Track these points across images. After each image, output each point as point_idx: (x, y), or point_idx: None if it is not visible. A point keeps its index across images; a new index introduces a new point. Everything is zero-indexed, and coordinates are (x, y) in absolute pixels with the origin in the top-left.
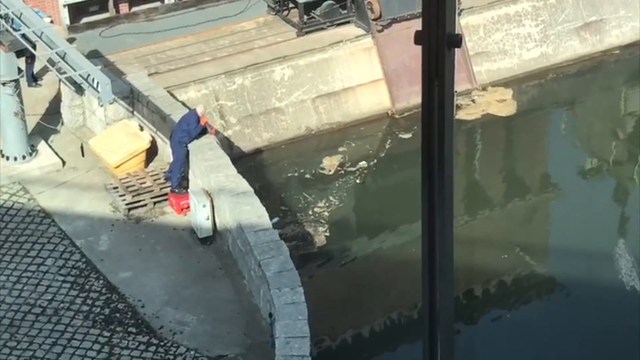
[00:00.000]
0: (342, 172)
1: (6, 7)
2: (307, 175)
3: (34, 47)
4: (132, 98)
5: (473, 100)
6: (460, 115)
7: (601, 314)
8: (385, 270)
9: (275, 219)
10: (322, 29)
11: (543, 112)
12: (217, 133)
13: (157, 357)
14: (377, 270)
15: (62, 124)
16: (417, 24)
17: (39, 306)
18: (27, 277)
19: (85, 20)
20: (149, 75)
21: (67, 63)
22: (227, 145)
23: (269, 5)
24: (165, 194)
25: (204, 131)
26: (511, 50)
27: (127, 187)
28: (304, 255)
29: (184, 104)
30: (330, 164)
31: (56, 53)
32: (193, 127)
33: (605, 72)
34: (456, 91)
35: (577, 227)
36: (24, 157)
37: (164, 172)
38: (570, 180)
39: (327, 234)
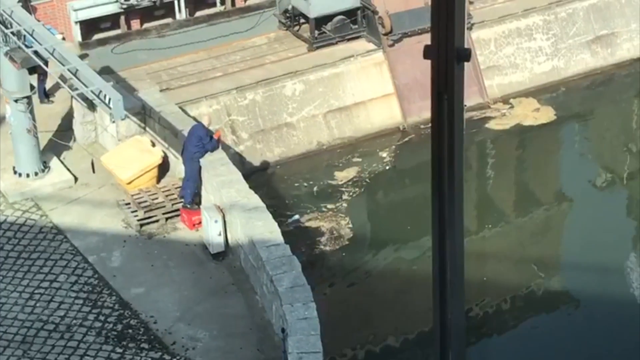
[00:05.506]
0: (354, 186)
1: (18, 24)
2: (319, 190)
3: (46, 63)
4: (144, 114)
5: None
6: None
7: (613, 329)
8: (397, 285)
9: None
10: (333, 43)
11: (555, 126)
12: (220, 137)
13: None
14: (388, 285)
15: (74, 140)
16: (427, 39)
17: (51, 322)
18: (39, 293)
19: (97, 36)
20: (160, 91)
21: (79, 79)
22: (239, 160)
23: (280, 21)
24: (177, 210)
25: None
26: (522, 64)
27: (139, 203)
28: (315, 269)
29: (195, 119)
30: (341, 178)
31: (68, 70)
32: (207, 142)
33: (617, 86)
34: (466, 105)
35: (589, 240)
36: (36, 174)
37: (180, 191)
38: (583, 193)
39: (339, 248)
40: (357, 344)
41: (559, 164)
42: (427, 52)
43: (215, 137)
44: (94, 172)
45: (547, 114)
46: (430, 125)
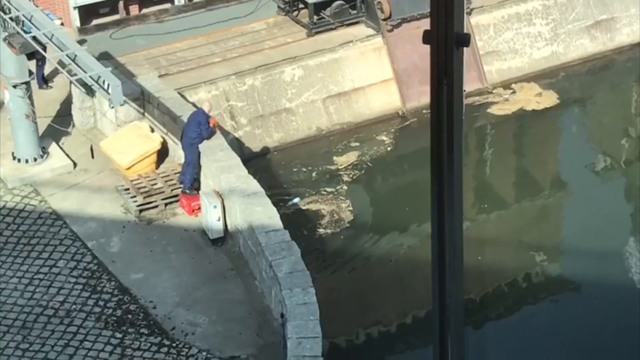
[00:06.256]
0: (353, 171)
1: (17, 9)
2: (318, 175)
3: (45, 49)
4: (142, 100)
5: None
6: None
7: (613, 313)
8: (396, 270)
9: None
10: (332, 29)
11: (558, 110)
12: (215, 125)
13: (169, 359)
14: (387, 270)
15: (73, 126)
16: (427, 24)
17: (51, 308)
18: (39, 279)
19: (95, 22)
20: (159, 76)
21: (77, 65)
22: (238, 146)
23: (278, 6)
24: (177, 195)
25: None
26: (522, 49)
27: (139, 188)
28: (315, 253)
29: (194, 105)
30: (341, 163)
31: (67, 55)
32: (205, 128)
33: (616, 71)
34: (465, 90)
35: (588, 225)
36: (35, 160)
37: (179, 176)
38: (582, 178)
39: (339, 231)
40: (357, 328)
41: (562, 149)
42: (427, 37)
43: (210, 125)
44: (93, 157)
45: (549, 99)
46: (429, 110)
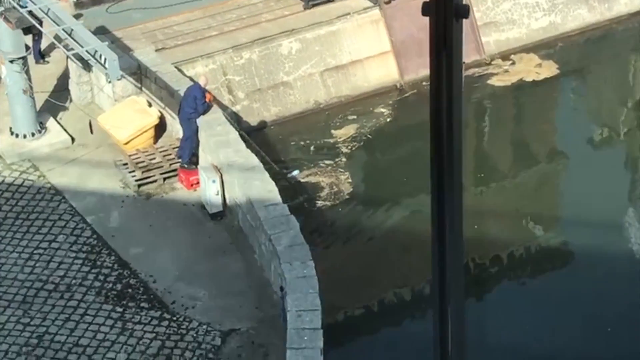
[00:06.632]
0: (352, 143)
1: None
2: (317, 148)
3: (41, 23)
4: (139, 74)
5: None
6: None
7: (612, 283)
8: (395, 243)
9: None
10: (329, 1)
11: (558, 80)
12: (211, 100)
13: (169, 332)
14: (386, 243)
15: (71, 100)
16: None
17: (51, 282)
18: (39, 254)
19: None
20: (156, 50)
21: (74, 39)
22: (236, 120)
23: None
24: (175, 170)
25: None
26: (519, 19)
27: (137, 163)
28: (313, 228)
29: (191, 79)
30: (339, 136)
31: (63, 30)
32: (201, 103)
33: (614, 41)
34: (464, 62)
35: (587, 196)
36: (33, 135)
37: (177, 151)
38: (580, 149)
39: (339, 203)
40: (356, 301)
41: (562, 119)
42: (426, 9)
43: (207, 100)
44: (92, 132)
45: (549, 69)
46: (428, 82)
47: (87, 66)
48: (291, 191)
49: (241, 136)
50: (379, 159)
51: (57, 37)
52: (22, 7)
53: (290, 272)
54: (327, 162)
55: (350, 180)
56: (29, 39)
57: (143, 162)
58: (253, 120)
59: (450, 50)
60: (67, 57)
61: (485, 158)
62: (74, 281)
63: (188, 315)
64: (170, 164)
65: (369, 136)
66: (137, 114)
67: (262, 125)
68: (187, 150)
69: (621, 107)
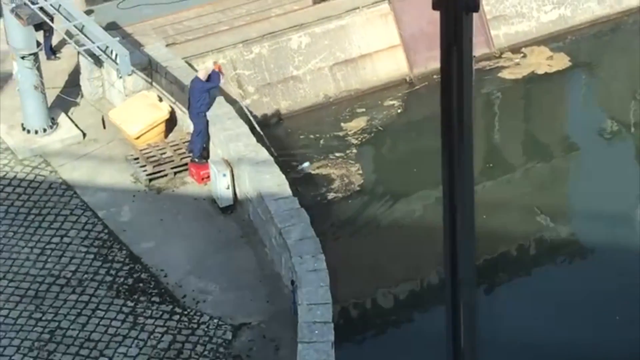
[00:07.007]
0: (362, 136)
1: None
2: (327, 140)
3: (52, 19)
4: (150, 69)
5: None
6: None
7: (621, 277)
8: (407, 236)
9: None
10: None
11: (570, 72)
12: (220, 69)
13: (180, 326)
14: (398, 236)
15: (82, 96)
16: None
17: (63, 277)
18: (50, 248)
19: None
20: (166, 45)
21: (85, 35)
22: (245, 114)
23: None
24: (186, 164)
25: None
26: (529, 13)
27: (148, 157)
28: (324, 219)
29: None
30: (350, 129)
31: (74, 25)
32: (210, 86)
33: (624, 34)
34: (474, 56)
35: (597, 188)
36: (44, 130)
37: (188, 145)
38: (591, 141)
39: (348, 197)
40: (367, 294)
41: (573, 112)
42: (436, 3)
43: (215, 69)
44: (104, 127)
45: (561, 61)
46: (438, 76)
47: (98, 62)
48: (302, 184)
49: (254, 129)
50: (389, 151)
51: (68, 33)
52: (33, 3)
53: (301, 266)
54: (338, 154)
55: (360, 172)
56: (40, 35)
57: (154, 156)
58: (263, 114)
59: (461, 44)
60: (78, 53)
61: (497, 150)
62: (85, 276)
63: (199, 309)
64: (181, 158)
65: (379, 129)
66: (148, 109)
67: (272, 119)
68: (198, 144)
69: (632, 99)
